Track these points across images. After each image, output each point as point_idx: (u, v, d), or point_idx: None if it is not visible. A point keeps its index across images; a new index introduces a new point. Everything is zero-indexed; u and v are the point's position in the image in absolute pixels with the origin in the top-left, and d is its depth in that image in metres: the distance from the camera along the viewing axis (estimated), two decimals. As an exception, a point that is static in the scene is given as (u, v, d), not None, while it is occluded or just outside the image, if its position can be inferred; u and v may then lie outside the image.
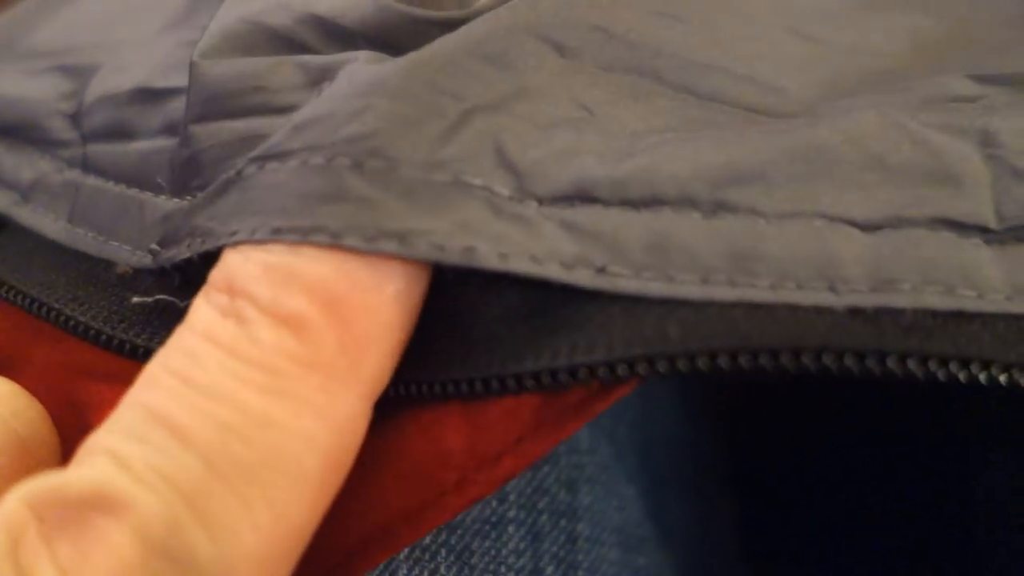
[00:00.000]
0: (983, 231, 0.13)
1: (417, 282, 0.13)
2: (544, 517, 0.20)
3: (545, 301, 0.13)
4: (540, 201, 0.13)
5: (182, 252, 0.14)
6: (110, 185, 0.17)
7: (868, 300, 0.12)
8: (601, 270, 0.12)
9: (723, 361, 0.11)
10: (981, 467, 0.19)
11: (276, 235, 0.12)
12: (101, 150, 0.17)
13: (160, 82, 0.17)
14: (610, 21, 0.14)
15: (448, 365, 0.13)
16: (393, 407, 0.13)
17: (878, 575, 0.21)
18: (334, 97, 0.13)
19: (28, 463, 0.14)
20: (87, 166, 0.18)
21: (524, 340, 0.13)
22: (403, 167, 0.12)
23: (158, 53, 0.18)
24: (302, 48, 0.15)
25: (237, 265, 0.13)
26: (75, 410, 0.16)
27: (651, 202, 0.13)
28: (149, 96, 0.17)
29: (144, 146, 0.16)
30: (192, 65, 0.15)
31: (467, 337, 0.13)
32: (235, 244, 0.13)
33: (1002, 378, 0.11)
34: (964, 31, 0.17)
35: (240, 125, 0.14)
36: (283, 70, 0.14)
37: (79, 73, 0.19)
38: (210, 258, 0.13)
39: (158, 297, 0.15)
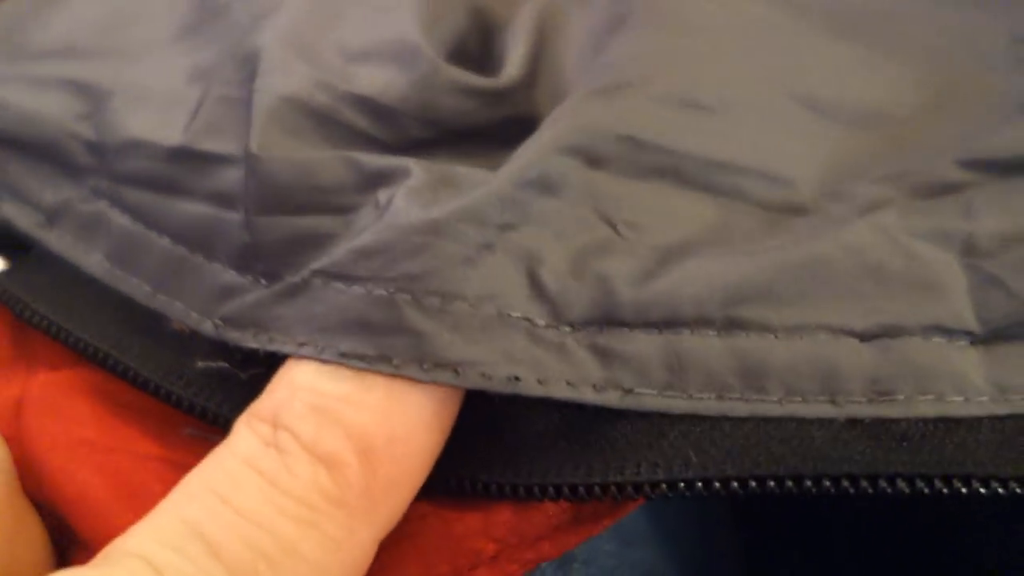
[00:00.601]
0: (968, 334, 0.14)
1: (449, 420, 0.14)
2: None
3: (581, 418, 0.14)
4: (572, 326, 0.14)
5: (247, 340, 0.16)
6: (154, 236, 0.18)
7: (865, 412, 0.14)
8: (628, 391, 0.14)
9: (735, 485, 0.13)
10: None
11: (343, 359, 0.14)
12: (141, 198, 0.18)
13: (202, 144, 0.17)
14: (637, 126, 0.15)
15: (492, 469, 0.15)
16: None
17: (870, 557, 0.22)
18: (393, 227, 0.14)
19: None
20: (120, 204, 0.18)
21: (564, 454, 0.14)
22: (455, 302, 0.14)
23: (180, 92, 0.19)
24: (347, 128, 0.17)
25: (284, 401, 0.14)
26: (65, 423, 0.17)
27: (671, 323, 0.14)
28: (191, 158, 0.17)
29: (193, 209, 0.17)
30: (251, 157, 0.16)
31: (513, 447, 0.15)
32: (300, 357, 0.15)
33: (983, 490, 0.13)
34: (957, 81, 0.19)
35: (300, 223, 0.16)
36: (337, 170, 0.16)
37: (90, 93, 0.19)
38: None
39: (221, 365, 0.16)
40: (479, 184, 0.15)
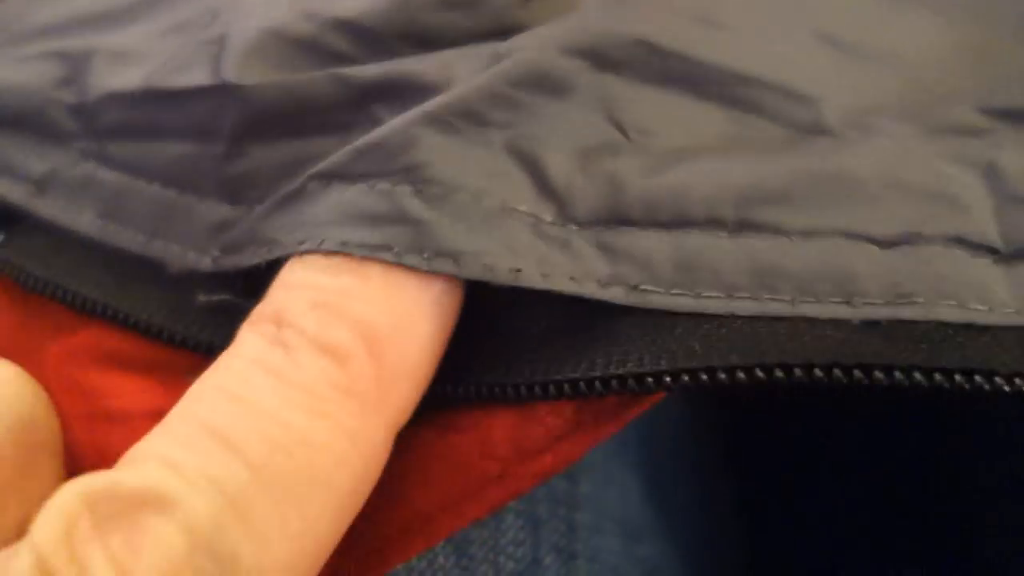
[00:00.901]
0: (992, 251, 0.13)
1: (450, 315, 0.14)
2: (543, 506, 0.20)
3: (584, 315, 0.14)
4: (580, 224, 0.14)
5: (246, 259, 0.15)
6: (142, 184, 0.17)
7: (882, 313, 0.13)
8: (634, 288, 0.14)
9: (741, 374, 0.13)
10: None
11: (344, 248, 0.14)
12: (123, 149, 0.18)
13: (171, 81, 0.17)
14: (654, 33, 0.15)
15: (494, 370, 0.14)
16: (445, 403, 0.15)
17: (877, 552, 0.22)
18: (389, 125, 0.14)
19: (27, 442, 0.15)
20: (107, 161, 0.18)
21: (564, 351, 0.14)
22: (457, 194, 0.14)
23: (155, 46, 0.18)
24: (334, 56, 0.16)
25: (284, 301, 0.14)
26: (83, 396, 0.17)
27: (680, 223, 0.14)
28: (163, 96, 0.17)
29: (175, 149, 0.17)
30: (231, 87, 0.16)
31: (513, 346, 0.14)
32: (301, 253, 0.14)
33: (1007, 387, 0.12)
34: (987, 42, 0.18)
35: (294, 146, 0.16)
36: (324, 88, 0.16)
37: (70, 59, 0.19)
38: (275, 265, 0.15)
39: (223, 297, 0.16)
40: (468, 81, 0.15)
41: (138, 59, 0.18)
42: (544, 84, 0.14)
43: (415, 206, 0.14)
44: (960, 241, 0.13)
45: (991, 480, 0.19)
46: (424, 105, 0.14)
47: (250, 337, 0.14)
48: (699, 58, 0.15)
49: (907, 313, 0.13)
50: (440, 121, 0.14)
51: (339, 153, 0.15)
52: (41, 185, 0.19)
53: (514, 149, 0.14)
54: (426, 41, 0.16)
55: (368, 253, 0.14)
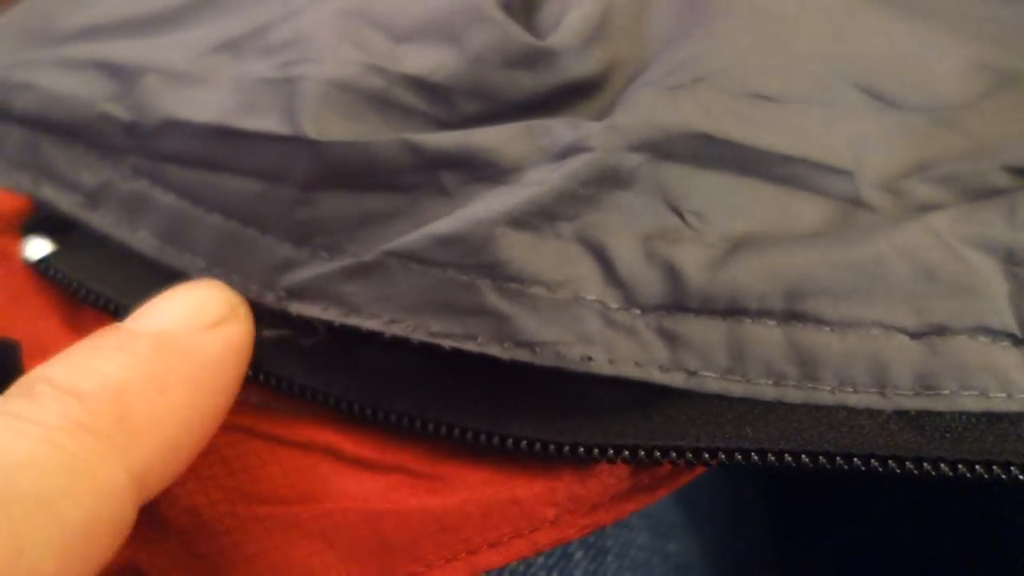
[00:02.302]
0: (1009, 336, 0.15)
1: (227, 390, 0.16)
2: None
3: (646, 390, 0.15)
4: (643, 310, 0.15)
5: (318, 312, 0.17)
6: (202, 212, 0.18)
7: (912, 404, 0.15)
8: (692, 373, 0.15)
9: (789, 458, 0.14)
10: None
11: (432, 338, 0.15)
12: (183, 175, 0.18)
13: (242, 122, 0.17)
14: (712, 124, 0.16)
15: (558, 432, 0.16)
16: (517, 453, 0.16)
17: (897, 547, 0.23)
18: (468, 220, 0.15)
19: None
20: (163, 182, 0.19)
21: (627, 421, 0.16)
22: (533, 287, 0.15)
23: (210, 68, 0.19)
24: (402, 109, 0.17)
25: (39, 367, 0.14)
26: None
27: (734, 312, 0.15)
28: (233, 135, 0.18)
29: (241, 185, 0.18)
30: (308, 142, 0.17)
31: (578, 414, 0.16)
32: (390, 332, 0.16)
33: (1022, 476, 0.14)
34: (1013, 69, 0.19)
35: (364, 200, 0.17)
36: (396, 153, 0.16)
37: (120, 73, 0.19)
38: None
39: (284, 332, 0.17)
40: (541, 180, 0.16)
41: (195, 84, 0.19)
42: (610, 179, 0.16)
43: (495, 300, 0.15)
44: (982, 330, 0.15)
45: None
46: (503, 202, 0.15)
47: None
48: (751, 143, 0.16)
49: (934, 405, 0.15)
50: (518, 221, 0.15)
51: (418, 236, 0.16)
52: (93, 197, 0.19)
53: (583, 239, 0.15)
54: (490, 97, 0.17)
55: (455, 343, 0.15)
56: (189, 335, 0.16)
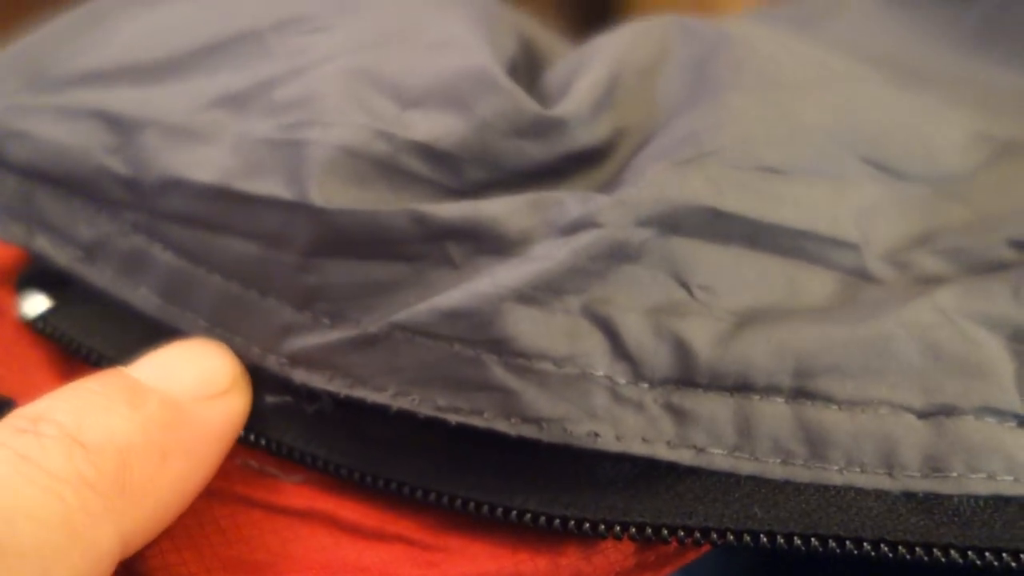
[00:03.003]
0: (1016, 416, 0.15)
1: (217, 458, 0.16)
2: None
3: (652, 466, 0.15)
4: (651, 384, 0.15)
5: (321, 382, 0.16)
6: (202, 272, 0.18)
7: (920, 486, 0.15)
8: (700, 450, 0.15)
9: (798, 541, 0.14)
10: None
11: (439, 412, 0.15)
12: (183, 234, 0.18)
13: (246, 185, 0.17)
14: (720, 198, 0.16)
15: (567, 505, 0.16)
16: (520, 526, 0.16)
17: None
18: (475, 295, 0.15)
19: None
20: (162, 240, 0.18)
21: (632, 499, 0.15)
22: (540, 362, 0.15)
23: (211, 122, 0.18)
24: (408, 175, 0.17)
25: (45, 402, 0.14)
26: None
27: (742, 388, 0.15)
28: (236, 198, 0.17)
29: (242, 248, 0.17)
30: (314, 209, 0.16)
31: (584, 487, 0.16)
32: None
33: None
34: (1014, 138, 0.20)
35: (368, 268, 0.17)
36: (403, 223, 0.16)
37: (119, 124, 0.19)
38: None
39: (287, 399, 0.17)
40: (549, 255, 0.16)
41: (196, 140, 0.18)
42: (618, 253, 0.16)
43: (502, 375, 0.15)
44: (989, 411, 0.15)
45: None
46: (510, 276, 0.15)
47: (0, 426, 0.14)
48: (759, 217, 0.16)
49: (942, 487, 0.15)
50: (525, 296, 0.15)
51: (425, 309, 0.16)
52: (91, 251, 0.19)
53: (591, 313, 0.15)
54: (497, 166, 0.17)
55: (462, 418, 0.15)
56: (195, 403, 0.16)
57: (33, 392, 0.18)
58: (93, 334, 0.19)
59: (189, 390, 0.16)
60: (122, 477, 0.14)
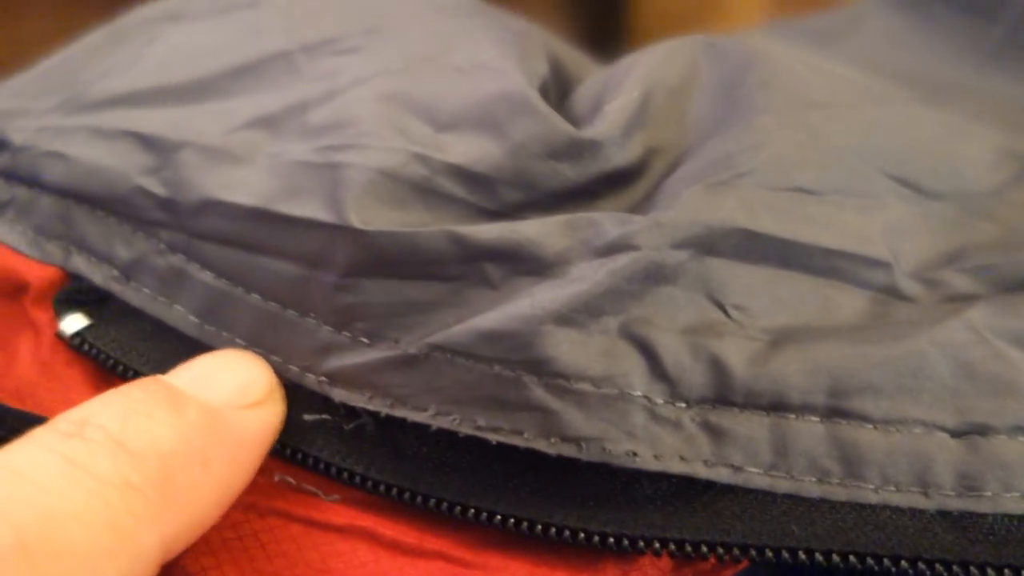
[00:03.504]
0: None
1: (253, 465, 0.16)
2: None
3: (689, 486, 0.16)
4: (688, 403, 0.16)
5: (361, 401, 0.17)
6: (240, 292, 0.18)
7: (955, 504, 0.15)
8: (737, 469, 0.15)
9: (836, 558, 0.14)
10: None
11: (479, 432, 0.15)
12: (221, 254, 0.18)
13: (285, 207, 0.17)
14: (754, 221, 0.16)
15: (605, 522, 0.16)
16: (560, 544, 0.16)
17: None
18: (514, 317, 0.16)
19: None
20: (199, 259, 0.19)
21: (671, 515, 0.16)
22: (580, 383, 0.15)
23: (247, 143, 0.19)
24: (445, 196, 0.17)
25: (91, 406, 0.15)
26: None
27: (778, 407, 0.15)
28: (273, 220, 0.17)
29: (280, 268, 0.17)
30: (353, 231, 0.17)
31: (622, 504, 0.16)
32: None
33: None
34: None
35: (407, 288, 0.17)
36: (441, 244, 0.17)
37: (155, 146, 0.19)
38: None
39: (325, 417, 0.17)
40: (586, 277, 0.16)
41: (233, 162, 0.19)
42: (654, 275, 0.16)
43: (541, 395, 0.15)
44: (1023, 430, 0.15)
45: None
46: (548, 299, 0.15)
47: (45, 430, 0.14)
48: (792, 238, 0.17)
49: (977, 506, 0.15)
50: (564, 318, 0.15)
51: (464, 331, 0.16)
52: (128, 271, 0.19)
53: (628, 334, 0.16)
54: (532, 187, 0.18)
55: (502, 438, 0.15)
56: (234, 412, 0.16)
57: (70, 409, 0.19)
58: (130, 351, 0.19)
59: (227, 398, 0.16)
60: (165, 482, 0.14)
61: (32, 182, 0.21)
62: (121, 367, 0.19)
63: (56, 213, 0.20)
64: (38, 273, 0.20)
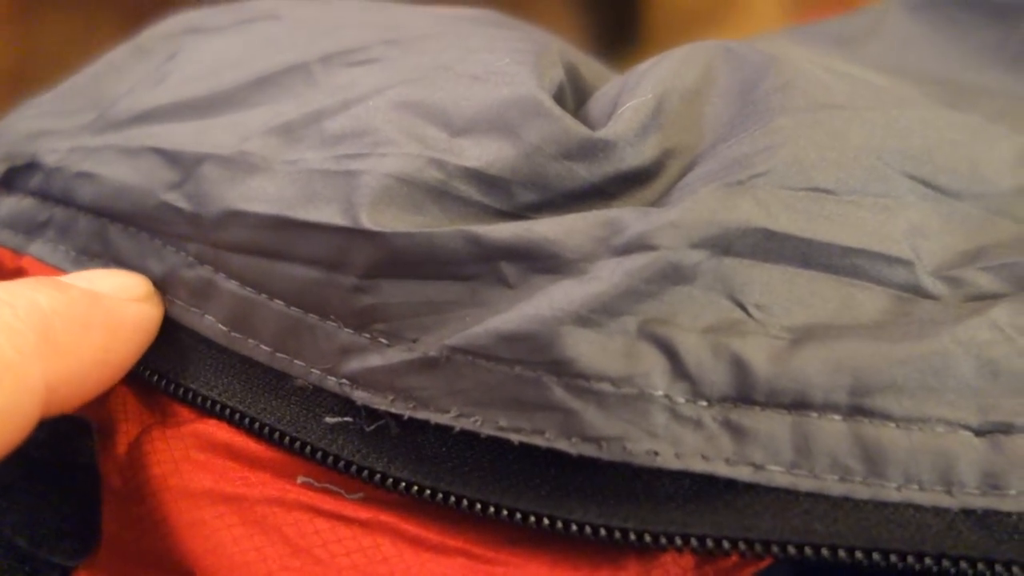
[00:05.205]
0: None
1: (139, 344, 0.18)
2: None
3: (710, 484, 0.16)
4: (709, 402, 0.16)
5: (383, 403, 0.17)
6: (264, 299, 0.18)
7: (979, 503, 0.15)
8: (759, 467, 0.15)
9: (860, 555, 0.14)
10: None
11: (501, 432, 0.16)
12: (245, 263, 0.19)
13: (302, 214, 0.18)
14: (772, 220, 0.16)
15: (627, 519, 0.16)
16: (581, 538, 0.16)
17: None
18: (533, 319, 0.16)
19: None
20: (225, 269, 0.19)
21: (693, 513, 0.16)
22: (600, 383, 0.15)
23: (264, 150, 0.19)
24: (460, 200, 0.18)
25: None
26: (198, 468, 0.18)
27: (800, 406, 0.15)
28: (292, 226, 0.18)
29: (301, 273, 0.18)
30: (367, 233, 0.17)
31: (644, 501, 0.16)
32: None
33: None
34: None
35: (424, 288, 0.17)
36: (457, 244, 0.17)
37: (177, 161, 0.20)
38: None
39: (347, 419, 0.18)
40: (603, 277, 0.16)
41: (251, 171, 0.19)
42: (672, 275, 0.16)
43: (562, 396, 0.15)
44: None
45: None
46: (567, 299, 0.16)
47: None
48: (811, 237, 0.17)
49: (1001, 505, 0.15)
50: (583, 318, 0.15)
51: (483, 332, 0.16)
52: (160, 284, 0.20)
53: (648, 334, 0.16)
54: (547, 188, 0.18)
55: (524, 438, 0.15)
56: (113, 298, 0.18)
57: (108, 415, 0.19)
58: (165, 361, 0.19)
59: (108, 290, 0.18)
60: (46, 330, 0.16)
61: (68, 202, 0.21)
62: (155, 376, 0.19)
63: (94, 231, 0.21)
64: None
